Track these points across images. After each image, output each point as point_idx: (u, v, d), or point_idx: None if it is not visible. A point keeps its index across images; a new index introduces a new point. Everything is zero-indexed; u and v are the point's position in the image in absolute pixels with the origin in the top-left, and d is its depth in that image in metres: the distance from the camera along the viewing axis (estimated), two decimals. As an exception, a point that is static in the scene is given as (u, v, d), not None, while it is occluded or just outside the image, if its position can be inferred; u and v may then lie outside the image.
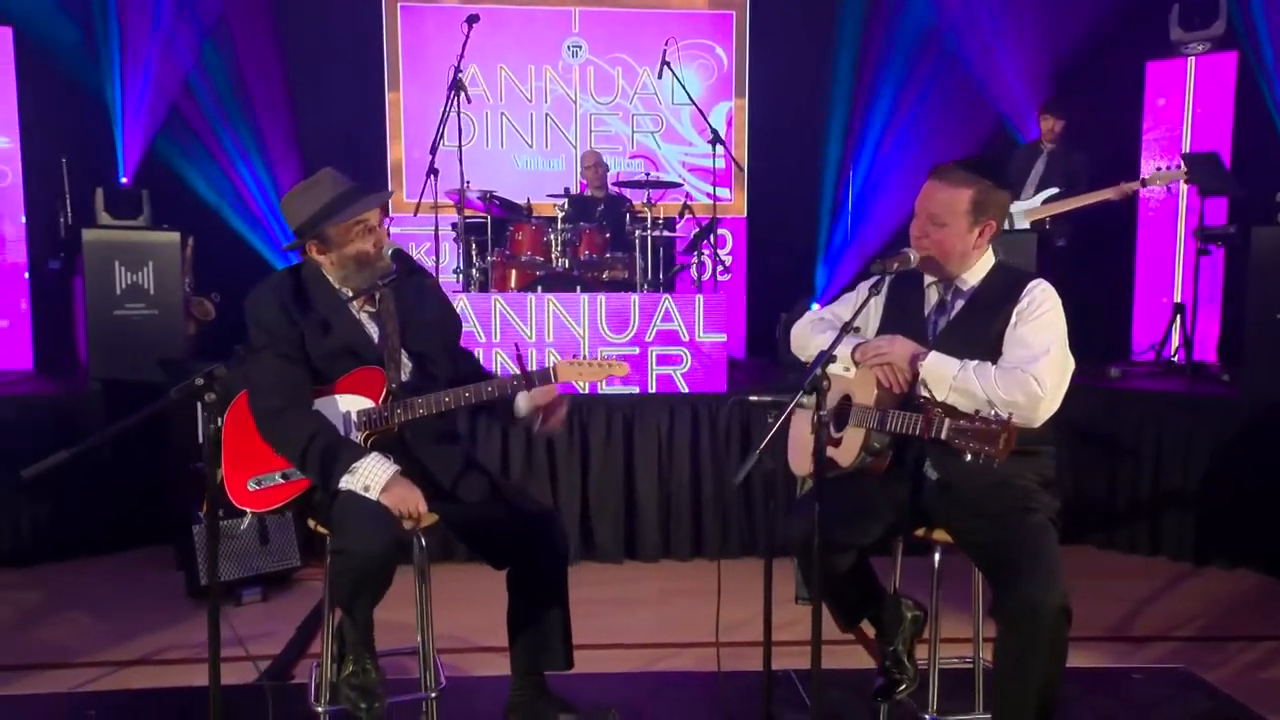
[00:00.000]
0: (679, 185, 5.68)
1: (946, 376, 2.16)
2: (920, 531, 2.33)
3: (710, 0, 6.73)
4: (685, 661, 3.18)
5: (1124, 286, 6.16)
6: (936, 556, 2.31)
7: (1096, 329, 6.10)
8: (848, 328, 2.16)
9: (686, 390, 4.46)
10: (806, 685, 2.89)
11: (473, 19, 5.00)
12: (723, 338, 4.52)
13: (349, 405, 2.32)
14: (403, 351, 2.41)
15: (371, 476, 2.19)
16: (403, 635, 2.70)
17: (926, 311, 2.36)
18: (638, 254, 5.15)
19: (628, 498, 4.39)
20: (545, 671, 2.50)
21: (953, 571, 2.35)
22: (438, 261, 5.21)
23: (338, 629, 2.31)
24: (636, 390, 4.44)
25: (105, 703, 2.88)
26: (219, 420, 2.27)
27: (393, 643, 2.63)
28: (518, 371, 2.37)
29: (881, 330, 2.40)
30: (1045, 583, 1.98)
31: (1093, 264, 5.95)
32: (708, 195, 5.86)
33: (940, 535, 2.30)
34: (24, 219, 5.50)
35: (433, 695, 2.43)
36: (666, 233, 5.46)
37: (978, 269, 2.31)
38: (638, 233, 5.15)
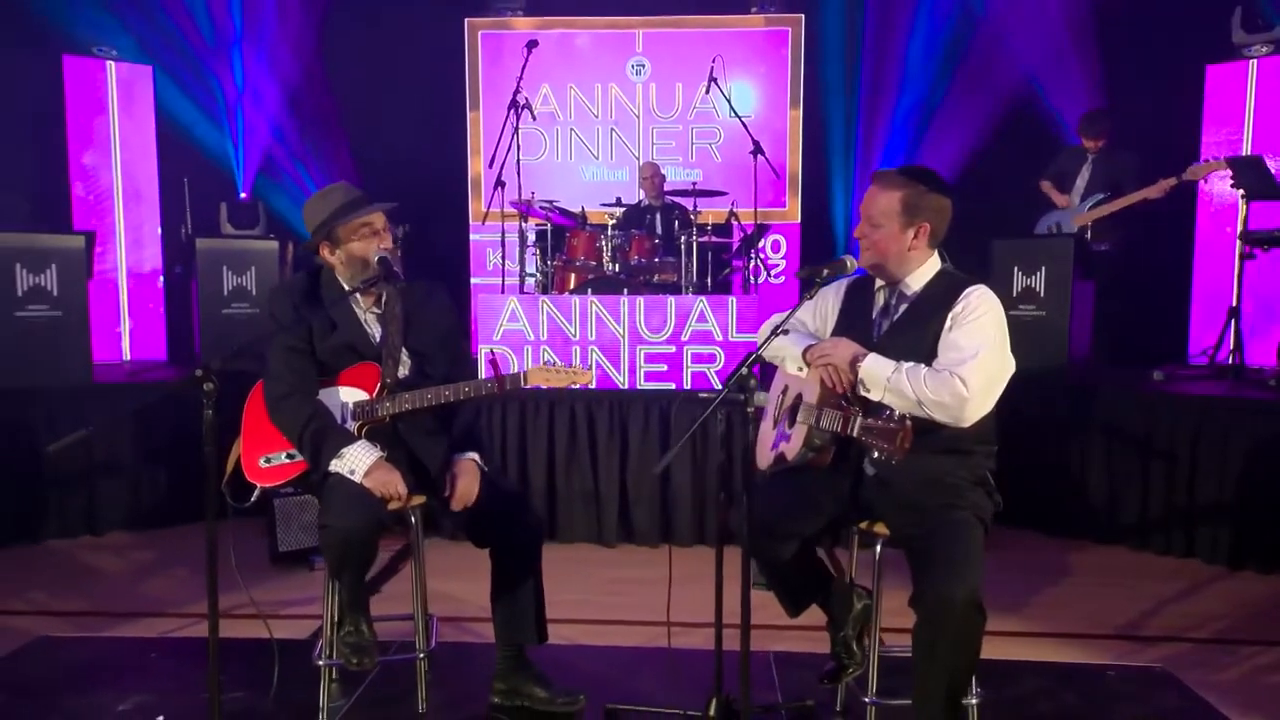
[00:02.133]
0: (724, 194, 5.67)
1: (881, 378, 2.14)
2: (864, 525, 2.32)
3: (767, 18, 6.69)
4: (693, 640, 3.21)
5: (1182, 290, 5.78)
6: (878, 548, 2.29)
7: (1150, 332, 5.77)
8: (777, 330, 2.17)
9: (720, 387, 4.46)
10: (780, 668, 2.90)
11: (532, 44, 5.14)
12: (755, 337, 4.50)
13: (348, 396, 2.48)
14: (404, 350, 2.54)
15: (357, 461, 2.33)
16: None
17: (874, 315, 2.34)
18: (683, 258, 5.19)
19: (663, 486, 4.44)
20: (520, 644, 2.58)
21: (904, 563, 2.31)
22: (504, 265, 5.40)
23: (337, 593, 2.48)
24: (673, 386, 4.49)
25: (172, 648, 3.14)
26: (242, 405, 2.51)
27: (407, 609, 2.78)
28: (494, 375, 2.46)
29: (835, 332, 2.39)
30: (957, 578, 1.94)
31: (1147, 268, 5.62)
32: (760, 203, 5.84)
33: (881, 529, 2.28)
34: (159, 230, 6.00)
35: (421, 656, 2.57)
36: (714, 238, 5.47)
37: (921, 274, 2.27)
38: (683, 238, 5.19)
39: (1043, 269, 4.77)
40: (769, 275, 5.99)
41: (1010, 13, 6.15)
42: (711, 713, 2.35)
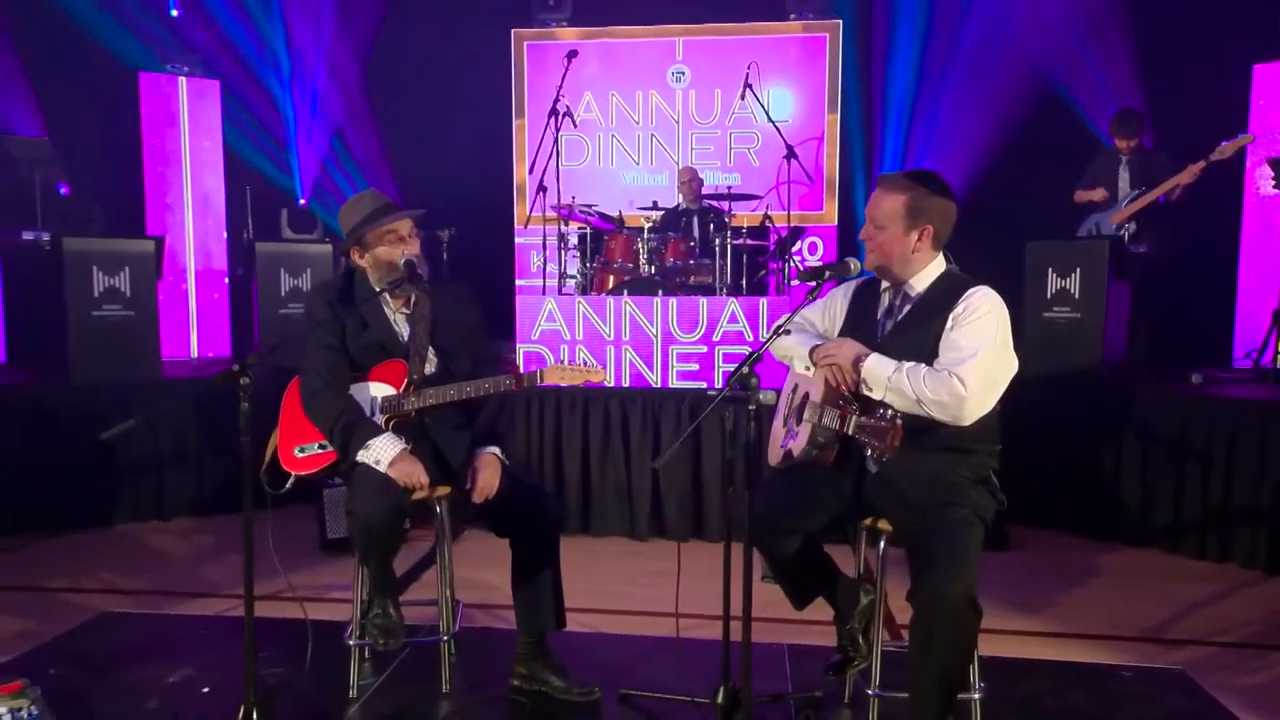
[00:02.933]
0: (759, 197, 5.67)
1: (883, 377, 2.14)
2: (867, 521, 2.32)
3: (805, 24, 6.65)
4: (711, 631, 3.22)
5: (1228, 293, 5.59)
6: (882, 544, 2.29)
7: (1195, 335, 5.60)
8: (779, 330, 2.18)
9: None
10: (793, 660, 2.91)
11: (571, 54, 5.22)
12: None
13: (377, 391, 2.56)
14: (430, 348, 2.62)
15: (382, 452, 2.41)
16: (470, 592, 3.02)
17: (879, 315, 2.34)
18: (718, 260, 5.20)
19: (694, 481, 4.46)
20: (540, 631, 2.62)
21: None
22: (545, 268, 5.48)
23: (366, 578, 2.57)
24: (704, 385, 4.51)
25: (221, 626, 3.28)
26: (281, 397, 2.61)
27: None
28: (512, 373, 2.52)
29: (842, 332, 2.39)
30: (952, 574, 1.94)
31: (1193, 270, 5.44)
32: (795, 206, 5.83)
33: (884, 525, 2.27)
34: (225, 235, 6.23)
35: (445, 638, 2.65)
36: (749, 241, 5.47)
37: (925, 275, 2.27)
38: (717, 241, 5.20)
39: (1077, 271, 4.67)
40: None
41: (1045, 12, 6.00)
42: (719, 700, 2.39)
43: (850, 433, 2.02)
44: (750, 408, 2.05)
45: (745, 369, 2.03)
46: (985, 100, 6.21)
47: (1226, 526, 4.07)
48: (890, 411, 1.94)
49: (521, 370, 2.50)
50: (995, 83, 6.16)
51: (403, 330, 2.61)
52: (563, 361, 2.37)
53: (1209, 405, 4.23)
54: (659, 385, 4.50)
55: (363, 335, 2.55)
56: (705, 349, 4.51)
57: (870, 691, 2.30)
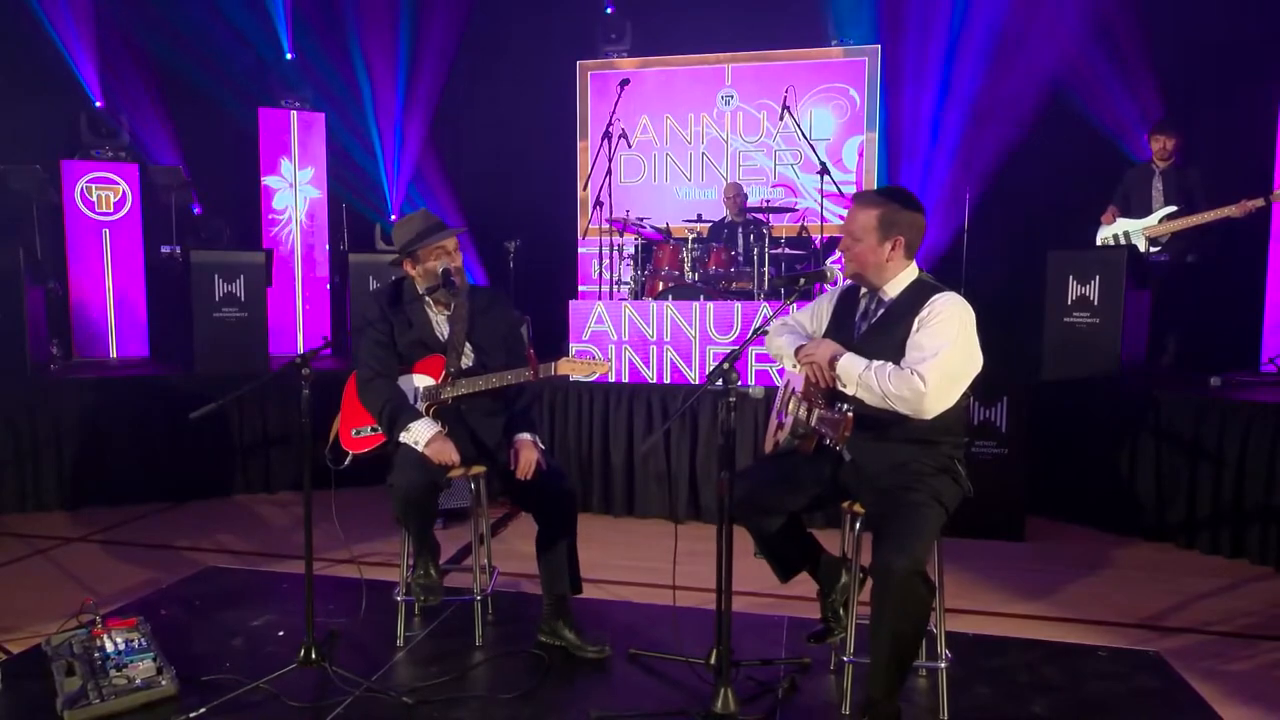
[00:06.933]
0: (795, 210, 5.66)
1: (854, 374, 2.18)
2: (845, 504, 2.36)
3: (846, 50, 6.60)
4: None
5: (1257, 298, 5.30)
6: (857, 525, 2.33)
7: (1223, 340, 5.33)
8: (756, 332, 2.25)
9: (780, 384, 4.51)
10: (791, 631, 2.95)
11: (624, 82, 5.34)
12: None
13: (420, 382, 2.75)
14: (467, 344, 2.78)
15: (420, 433, 2.59)
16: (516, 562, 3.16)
17: (856, 318, 2.38)
18: (756, 268, 5.23)
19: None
20: (558, 594, 2.75)
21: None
22: (601, 275, 5.61)
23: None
24: (737, 382, 4.55)
25: (300, 581, 3.46)
26: (342, 385, 2.81)
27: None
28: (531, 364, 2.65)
29: (826, 333, 2.44)
30: (900, 549, 1.98)
31: (1222, 276, 5.19)
32: (839, 217, 5.80)
33: (859, 508, 2.31)
34: (327, 247, 6.60)
35: (478, 598, 2.80)
36: (788, 250, 5.48)
37: (898, 282, 2.30)
38: (756, 250, 5.24)
39: (1097, 278, 4.54)
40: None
41: (1082, 31, 5.80)
42: (710, 661, 2.48)
43: (813, 425, 2.07)
44: (730, 399, 2.13)
45: (726, 365, 2.11)
46: (1009, 116, 6.03)
47: (1240, 523, 3.92)
48: (845, 406, 1.99)
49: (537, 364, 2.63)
50: (1019, 99, 5.98)
51: (442, 330, 2.78)
52: (594, 356, 2.48)
53: (1223, 408, 4.06)
54: (697, 382, 4.58)
55: (408, 333, 2.74)
56: (739, 348, 4.55)
57: (845, 658, 2.34)
